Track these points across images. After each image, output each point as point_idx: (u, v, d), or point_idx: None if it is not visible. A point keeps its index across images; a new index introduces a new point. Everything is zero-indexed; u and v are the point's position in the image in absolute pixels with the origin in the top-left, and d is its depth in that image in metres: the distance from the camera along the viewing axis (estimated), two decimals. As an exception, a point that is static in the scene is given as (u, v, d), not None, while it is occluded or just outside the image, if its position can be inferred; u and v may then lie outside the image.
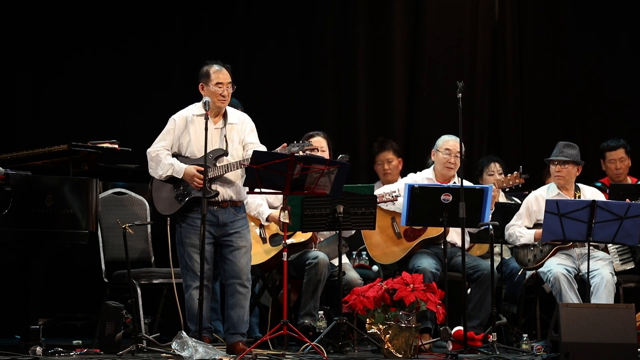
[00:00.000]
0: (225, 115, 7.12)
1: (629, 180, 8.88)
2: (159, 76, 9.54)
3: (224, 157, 7.02)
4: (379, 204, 7.69)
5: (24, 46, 9.44)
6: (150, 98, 9.42)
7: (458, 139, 7.63)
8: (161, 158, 7.04)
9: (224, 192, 7.01)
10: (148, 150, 7.10)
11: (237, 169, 6.98)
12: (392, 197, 7.82)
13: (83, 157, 7.61)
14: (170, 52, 9.66)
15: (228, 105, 7.22)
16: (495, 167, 8.78)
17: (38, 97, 9.52)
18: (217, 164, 6.99)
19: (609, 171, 8.90)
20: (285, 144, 7.01)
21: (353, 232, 7.75)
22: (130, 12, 9.60)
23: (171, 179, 7.04)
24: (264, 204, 7.72)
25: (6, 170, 6.92)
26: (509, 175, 8.21)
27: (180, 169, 7.00)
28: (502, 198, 8.43)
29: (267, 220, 7.68)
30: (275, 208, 7.79)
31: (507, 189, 8.31)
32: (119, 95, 9.49)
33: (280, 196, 7.64)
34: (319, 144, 7.78)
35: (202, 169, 6.90)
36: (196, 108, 7.13)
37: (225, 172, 6.98)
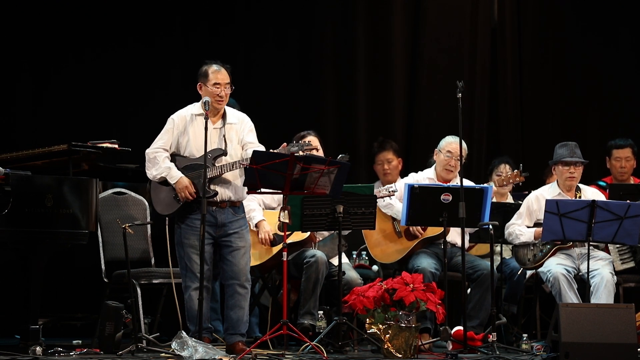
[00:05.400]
0: (224, 116, 7.12)
1: (632, 181, 8.87)
2: (158, 76, 9.54)
3: (223, 157, 7.01)
4: (378, 200, 7.70)
5: (24, 46, 9.44)
6: (150, 98, 9.42)
7: (458, 141, 7.63)
8: (159, 160, 7.02)
9: (223, 192, 7.00)
10: (147, 150, 7.09)
11: (236, 169, 6.98)
12: (389, 192, 7.82)
13: (83, 157, 7.61)
14: (170, 52, 9.66)
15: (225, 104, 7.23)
16: (505, 168, 8.76)
17: (38, 97, 9.52)
18: (216, 164, 6.98)
19: (613, 169, 8.88)
20: (285, 144, 7.01)
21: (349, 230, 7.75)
22: (130, 12, 9.60)
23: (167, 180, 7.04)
24: (257, 210, 7.69)
25: (6, 170, 6.92)
26: (509, 173, 8.23)
27: (175, 176, 6.97)
28: (509, 199, 8.45)
29: (255, 226, 7.66)
30: (273, 209, 7.79)
31: (506, 186, 8.31)
32: (119, 95, 9.50)
33: (277, 197, 7.65)
34: (313, 143, 7.79)
35: (195, 185, 6.90)
36: (195, 108, 7.13)
37: (224, 173, 6.98)
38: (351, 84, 9.93)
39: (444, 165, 7.99)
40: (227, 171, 6.97)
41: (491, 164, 9.03)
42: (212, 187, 6.94)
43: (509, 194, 8.54)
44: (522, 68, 10.06)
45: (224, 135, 7.06)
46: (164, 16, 9.71)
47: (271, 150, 6.96)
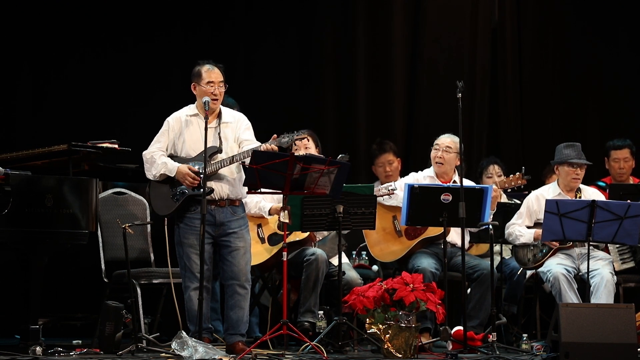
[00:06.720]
0: (219, 115, 7.13)
1: (631, 180, 8.87)
2: (159, 76, 9.54)
3: (218, 154, 7.01)
4: (379, 198, 7.69)
5: (24, 46, 9.45)
6: (150, 98, 9.42)
7: (449, 136, 7.83)
8: (155, 158, 7.05)
9: (220, 190, 7.00)
10: (143, 152, 7.12)
11: (230, 164, 6.97)
12: (389, 190, 7.83)
13: (83, 157, 7.62)
14: (170, 52, 9.66)
15: (224, 104, 7.23)
16: (494, 169, 8.76)
17: (38, 97, 9.52)
18: (211, 162, 6.98)
19: (612, 170, 8.88)
20: (275, 135, 6.99)
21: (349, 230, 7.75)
22: (131, 12, 9.60)
23: (168, 179, 7.04)
24: (262, 200, 7.72)
25: (6, 170, 6.92)
26: (511, 176, 8.21)
27: (172, 167, 7.01)
28: (503, 198, 8.43)
29: (269, 213, 7.67)
30: (273, 208, 7.81)
31: (509, 190, 8.31)
32: (119, 95, 9.50)
33: (277, 197, 7.65)
34: (305, 142, 7.78)
35: (195, 168, 6.92)
36: (190, 109, 7.16)
37: (219, 169, 6.97)
38: (351, 84, 9.92)
39: (434, 159, 8.05)
40: (223, 167, 6.96)
41: (480, 165, 9.01)
42: (207, 184, 6.93)
43: (502, 193, 8.51)
44: (522, 68, 10.05)
45: (219, 134, 7.06)
46: (164, 16, 9.71)
47: (263, 145, 6.93)
